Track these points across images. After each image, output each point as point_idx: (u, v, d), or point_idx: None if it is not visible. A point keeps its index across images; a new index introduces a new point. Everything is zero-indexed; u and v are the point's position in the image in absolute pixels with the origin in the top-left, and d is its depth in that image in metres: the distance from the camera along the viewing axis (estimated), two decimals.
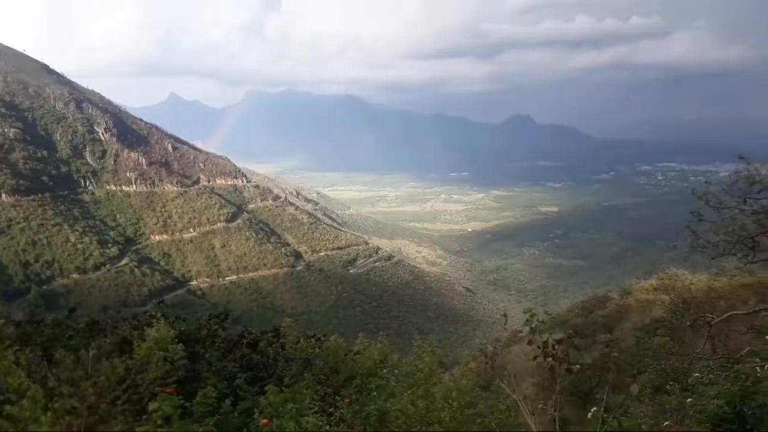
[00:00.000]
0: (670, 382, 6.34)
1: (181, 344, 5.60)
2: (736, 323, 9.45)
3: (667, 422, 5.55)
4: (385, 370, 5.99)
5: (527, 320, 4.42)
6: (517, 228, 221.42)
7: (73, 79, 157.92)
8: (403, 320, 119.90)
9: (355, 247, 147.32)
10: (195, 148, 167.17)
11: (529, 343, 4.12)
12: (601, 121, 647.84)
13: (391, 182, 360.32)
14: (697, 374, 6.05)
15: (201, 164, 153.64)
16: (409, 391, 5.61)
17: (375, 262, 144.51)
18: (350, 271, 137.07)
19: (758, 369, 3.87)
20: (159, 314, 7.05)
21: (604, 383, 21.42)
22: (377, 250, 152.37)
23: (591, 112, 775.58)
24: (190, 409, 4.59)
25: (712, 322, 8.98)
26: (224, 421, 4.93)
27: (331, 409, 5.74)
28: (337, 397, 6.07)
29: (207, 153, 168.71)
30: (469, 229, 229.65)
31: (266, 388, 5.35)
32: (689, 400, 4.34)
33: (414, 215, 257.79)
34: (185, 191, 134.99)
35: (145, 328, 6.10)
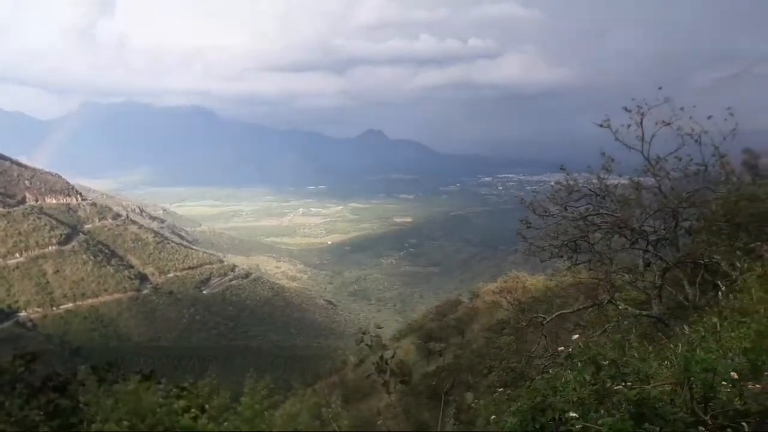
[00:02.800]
0: (500, 388, 6.68)
1: None
2: (566, 321, 10.45)
3: None
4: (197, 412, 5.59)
5: (357, 341, 4.43)
6: (374, 239, 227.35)
7: None
8: (263, 339, 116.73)
9: (208, 266, 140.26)
10: (19, 164, 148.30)
11: (360, 362, 4.09)
12: (446, 137, 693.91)
13: (247, 197, 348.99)
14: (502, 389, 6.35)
15: (27, 182, 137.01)
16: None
17: (231, 280, 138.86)
18: (204, 292, 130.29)
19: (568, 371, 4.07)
20: None
21: (458, 384, 22.51)
22: (233, 267, 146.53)
23: (437, 127, 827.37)
24: None
25: (544, 322, 9.81)
26: None
27: None
28: None
29: (34, 169, 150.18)
30: (329, 242, 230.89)
31: None
32: (492, 417, 4.46)
33: (272, 230, 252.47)
34: (8, 212, 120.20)
35: None
